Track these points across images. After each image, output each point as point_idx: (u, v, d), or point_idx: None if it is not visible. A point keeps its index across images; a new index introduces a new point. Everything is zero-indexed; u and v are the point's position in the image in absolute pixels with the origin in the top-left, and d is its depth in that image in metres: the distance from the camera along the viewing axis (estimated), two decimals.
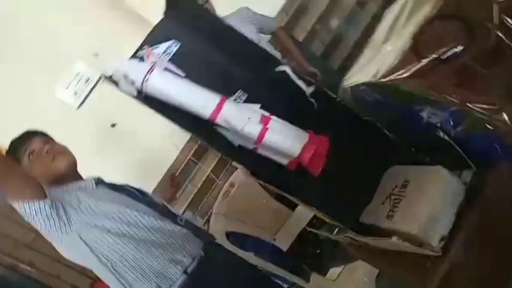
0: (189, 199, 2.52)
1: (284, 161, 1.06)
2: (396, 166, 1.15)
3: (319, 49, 2.96)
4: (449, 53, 0.93)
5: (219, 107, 1.05)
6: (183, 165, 2.65)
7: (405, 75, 0.95)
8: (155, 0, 1.18)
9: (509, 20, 0.91)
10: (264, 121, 1.05)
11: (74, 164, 1.31)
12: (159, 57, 1.12)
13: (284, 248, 2.10)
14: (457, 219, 0.95)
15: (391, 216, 1.02)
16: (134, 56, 1.13)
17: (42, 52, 2.44)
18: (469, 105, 0.88)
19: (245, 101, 1.13)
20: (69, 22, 2.49)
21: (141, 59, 1.12)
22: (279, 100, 1.12)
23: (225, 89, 1.11)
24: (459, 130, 0.94)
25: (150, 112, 1.12)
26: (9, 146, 1.35)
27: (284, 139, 1.03)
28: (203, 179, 2.65)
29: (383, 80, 0.99)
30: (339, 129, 1.08)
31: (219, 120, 1.05)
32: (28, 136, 1.33)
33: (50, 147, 1.28)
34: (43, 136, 1.34)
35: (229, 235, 2.09)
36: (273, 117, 1.07)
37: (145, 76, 1.06)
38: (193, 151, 2.71)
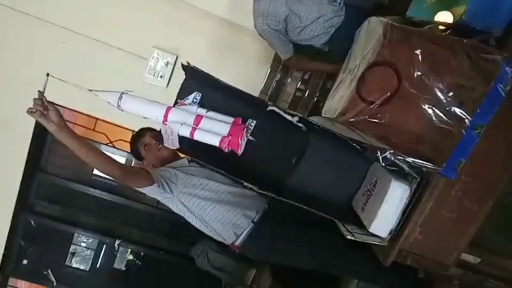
0: None
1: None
2: (376, 163, 1.45)
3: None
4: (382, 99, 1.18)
5: (166, 115, 1.38)
6: None
7: (353, 117, 1.23)
8: None
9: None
10: (196, 121, 1.37)
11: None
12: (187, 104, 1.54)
13: None
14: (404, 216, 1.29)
15: (363, 208, 1.38)
16: (174, 106, 1.56)
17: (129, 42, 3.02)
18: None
19: (255, 126, 1.51)
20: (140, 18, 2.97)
21: (177, 109, 1.55)
22: (277, 123, 1.47)
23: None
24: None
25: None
26: (131, 140, 2.08)
27: (206, 135, 1.35)
28: None
29: (338, 118, 1.28)
30: (322, 144, 1.42)
31: (168, 123, 1.39)
32: (142, 132, 2.02)
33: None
34: (152, 131, 1.98)
35: None
36: (205, 115, 1.38)
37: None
38: None
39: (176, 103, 1.55)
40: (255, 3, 2.11)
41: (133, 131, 3.28)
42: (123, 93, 1.37)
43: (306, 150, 1.41)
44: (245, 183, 1.72)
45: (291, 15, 2.05)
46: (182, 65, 1.51)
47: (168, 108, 1.38)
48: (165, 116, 1.36)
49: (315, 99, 3.10)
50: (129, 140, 3.50)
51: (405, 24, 1.43)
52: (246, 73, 3.14)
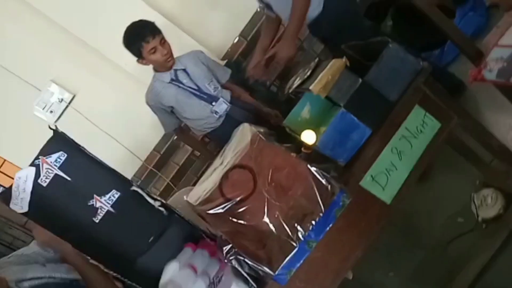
0: None
1: None
2: None
3: None
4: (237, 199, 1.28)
5: None
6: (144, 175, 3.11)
7: (210, 209, 1.31)
8: None
9: None
10: None
11: None
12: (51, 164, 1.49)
13: None
14: None
15: None
16: (32, 164, 1.49)
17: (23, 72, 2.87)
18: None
19: (117, 199, 1.50)
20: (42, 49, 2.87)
21: (37, 166, 1.48)
22: (139, 202, 1.48)
23: (102, 188, 1.45)
24: None
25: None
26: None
27: None
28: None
29: (197, 207, 1.35)
30: (180, 230, 1.47)
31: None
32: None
33: None
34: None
35: None
36: None
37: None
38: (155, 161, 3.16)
39: (37, 158, 1.49)
40: (152, 80, 2.27)
41: None
42: None
43: (164, 233, 1.45)
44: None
45: (177, 106, 2.25)
46: (50, 127, 1.45)
47: None
48: None
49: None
50: None
51: (280, 131, 1.61)
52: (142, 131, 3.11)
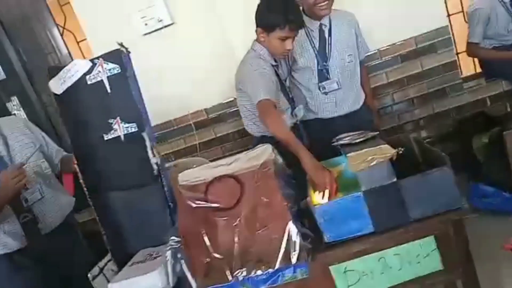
0: None
1: None
2: None
3: None
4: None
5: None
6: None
7: (188, 197, 1.30)
8: None
9: None
10: None
11: None
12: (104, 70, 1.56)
13: None
14: None
15: (132, 265, 1.43)
16: (91, 60, 1.57)
17: None
18: None
19: (132, 133, 1.53)
20: None
21: (94, 64, 1.56)
22: (143, 149, 1.51)
23: (128, 116, 1.52)
24: None
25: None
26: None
27: None
28: None
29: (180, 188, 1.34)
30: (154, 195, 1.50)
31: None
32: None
33: None
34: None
35: None
36: None
37: None
38: None
39: (97, 58, 1.56)
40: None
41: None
42: None
43: (143, 187, 1.47)
44: None
45: None
46: (120, 44, 1.52)
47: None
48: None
49: None
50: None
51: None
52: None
